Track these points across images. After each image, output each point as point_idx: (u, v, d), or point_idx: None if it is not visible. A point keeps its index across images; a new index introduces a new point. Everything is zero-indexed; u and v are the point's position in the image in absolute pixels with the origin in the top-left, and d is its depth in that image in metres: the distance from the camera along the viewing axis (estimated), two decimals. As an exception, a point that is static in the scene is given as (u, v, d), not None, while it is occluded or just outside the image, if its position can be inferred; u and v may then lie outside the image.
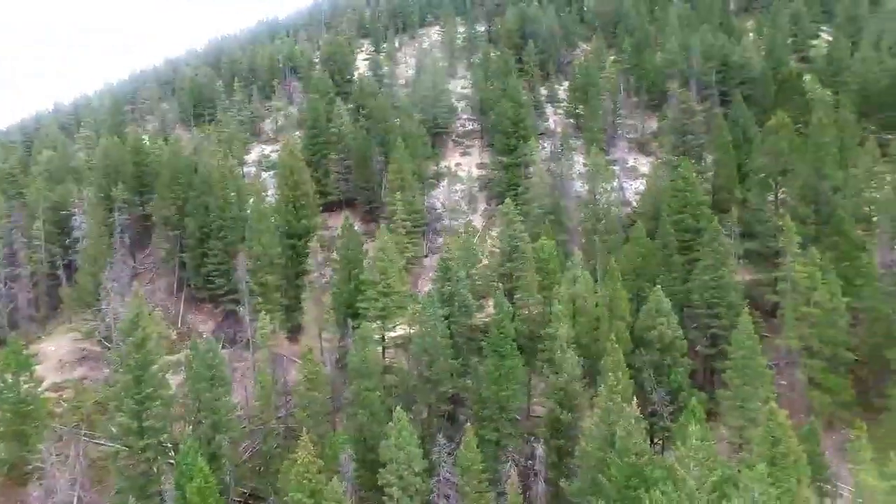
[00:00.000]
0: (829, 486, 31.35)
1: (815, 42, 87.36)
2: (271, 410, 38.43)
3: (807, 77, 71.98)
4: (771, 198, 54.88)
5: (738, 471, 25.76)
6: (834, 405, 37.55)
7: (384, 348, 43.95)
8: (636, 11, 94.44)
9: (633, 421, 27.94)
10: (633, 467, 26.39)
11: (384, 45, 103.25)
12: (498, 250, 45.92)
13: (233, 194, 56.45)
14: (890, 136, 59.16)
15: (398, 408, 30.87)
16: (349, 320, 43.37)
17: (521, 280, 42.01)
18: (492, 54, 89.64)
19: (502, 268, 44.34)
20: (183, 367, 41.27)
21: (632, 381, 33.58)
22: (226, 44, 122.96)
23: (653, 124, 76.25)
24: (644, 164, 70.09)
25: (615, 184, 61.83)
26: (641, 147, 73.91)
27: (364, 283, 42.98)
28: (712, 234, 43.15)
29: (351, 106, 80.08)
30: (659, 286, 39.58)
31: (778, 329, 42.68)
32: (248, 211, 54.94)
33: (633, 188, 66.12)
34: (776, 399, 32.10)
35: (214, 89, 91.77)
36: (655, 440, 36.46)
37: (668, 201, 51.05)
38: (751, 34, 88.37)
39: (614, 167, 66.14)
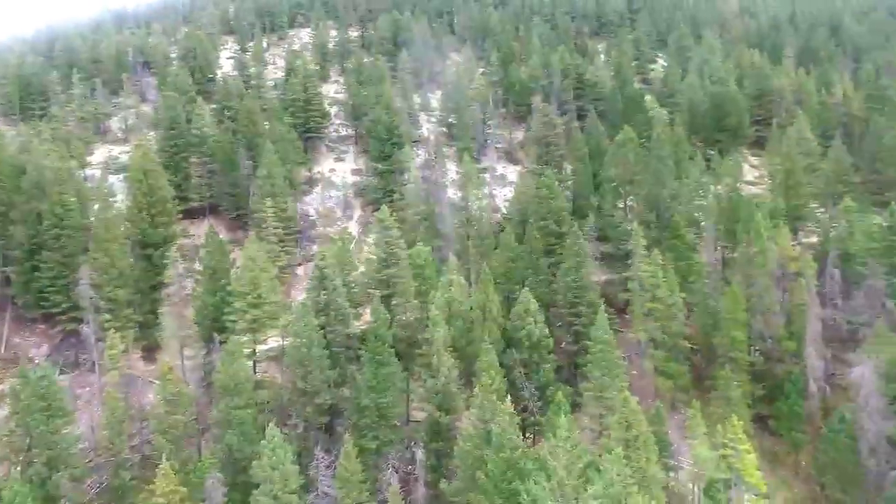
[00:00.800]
0: (672, 461, 35.24)
1: (653, 67, 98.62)
2: (123, 439, 34.59)
3: (648, 97, 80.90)
4: (621, 204, 60.96)
5: (600, 455, 28.10)
6: (675, 389, 42.43)
7: (255, 362, 41.68)
8: (502, 28, 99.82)
9: (507, 418, 29.30)
10: (509, 462, 27.65)
11: (250, 45, 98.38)
12: (374, 257, 45.78)
13: (72, 199, 50.09)
14: (712, 152, 68.35)
15: (271, 424, 29.39)
16: (215, 335, 40.48)
17: (398, 286, 42.20)
18: (365, 60, 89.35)
19: (379, 275, 44.24)
20: (8, 399, 35.64)
21: (505, 379, 35.20)
22: (62, 31, 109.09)
23: (519, 135, 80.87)
24: (512, 173, 74.02)
25: (486, 191, 64.55)
26: (509, 156, 78.00)
27: (232, 294, 40.44)
28: (573, 238, 46.74)
29: (214, 106, 75.03)
30: (527, 288, 42.00)
31: (629, 324, 47.29)
32: (93, 218, 49.14)
33: (503, 195, 69.50)
34: (629, 387, 35.55)
35: (47, 81, 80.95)
36: (527, 434, 38.51)
37: (534, 208, 54.40)
38: (602, 56, 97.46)
39: (485, 175, 69.08)
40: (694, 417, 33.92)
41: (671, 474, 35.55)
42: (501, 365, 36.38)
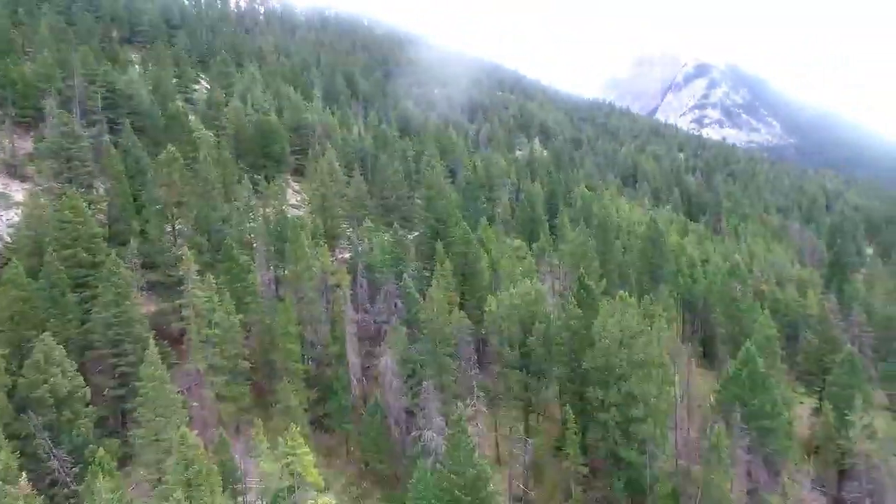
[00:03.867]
0: (240, 486, 34.73)
1: (196, 87, 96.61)
2: None
3: (192, 117, 78.56)
4: (169, 228, 56.73)
5: (158, 507, 25.05)
6: (239, 412, 42.16)
7: None
8: (-8, 8, 78.91)
9: (22, 502, 22.71)
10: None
11: None
12: None
13: None
14: (259, 177, 71.88)
15: None
16: None
17: None
18: None
19: None
20: None
21: (18, 453, 27.31)
22: None
23: (27, 145, 65.30)
24: (18, 191, 58.96)
25: (-22, 213, 49.36)
26: (13, 171, 61.93)
27: None
28: (111, 267, 40.61)
29: None
30: (48, 333, 33.97)
31: (186, 354, 44.35)
32: None
33: (6, 220, 54.52)
34: (189, 422, 33.16)
35: None
36: (61, 513, 31.03)
37: (55, 234, 44.67)
38: (137, 67, 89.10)
39: (-25, 193, 52.71)
40: (258, 435, 34.38)
41: (240, 499, 34.99)
42: (12, 436, 28.13)
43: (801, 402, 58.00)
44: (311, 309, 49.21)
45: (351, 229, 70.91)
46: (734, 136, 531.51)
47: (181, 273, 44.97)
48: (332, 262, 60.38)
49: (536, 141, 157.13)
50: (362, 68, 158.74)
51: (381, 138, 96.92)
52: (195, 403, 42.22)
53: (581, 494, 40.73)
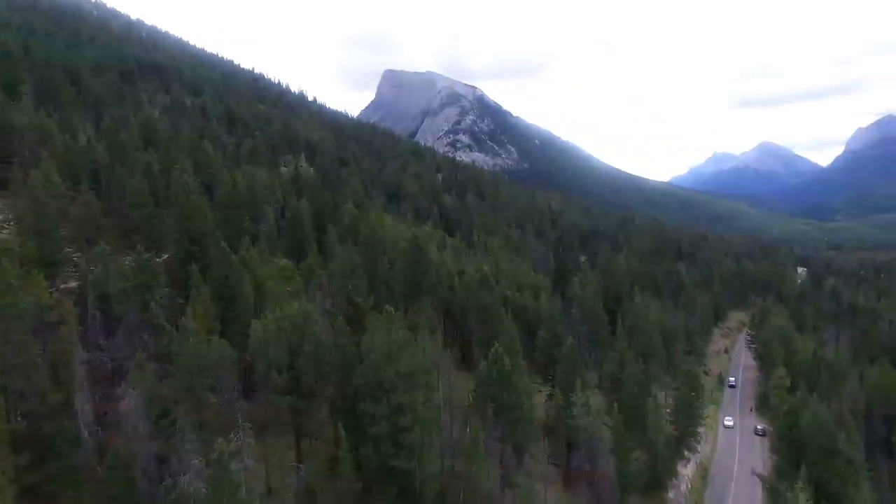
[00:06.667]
0: None
1: None
2: None
3: None
4: None
5: None
6: None
7: None
8: None
9: None
10: None
11: None
12: None
13: None
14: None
15: None
16: None
17: None
18: None
19: None
20: None
21: None
22: None
23: None
24: None
25: None
26: None
27: None
28: None
29: None
30: None
31: None
32: None
33: None
34: None
35: None
36: None
37: None
38: None
39: None
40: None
41: None
42: None
43: (539, 391, 67.64)
44: (21, 352, 39.93)
45: (79, 254, 59.94)
46: (482, 159, 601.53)
47: None
48: (52, 293, 50.15)
49: (303, 157, 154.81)
50: (92, 66, 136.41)
51: (118, 148, 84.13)
52: None
53: (356, 512, 40.81)
